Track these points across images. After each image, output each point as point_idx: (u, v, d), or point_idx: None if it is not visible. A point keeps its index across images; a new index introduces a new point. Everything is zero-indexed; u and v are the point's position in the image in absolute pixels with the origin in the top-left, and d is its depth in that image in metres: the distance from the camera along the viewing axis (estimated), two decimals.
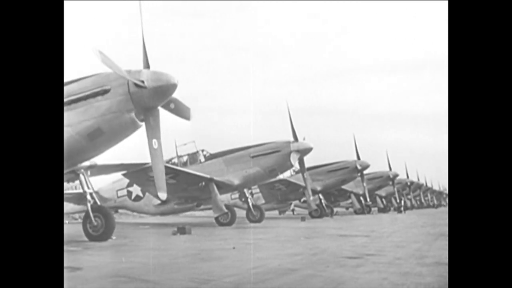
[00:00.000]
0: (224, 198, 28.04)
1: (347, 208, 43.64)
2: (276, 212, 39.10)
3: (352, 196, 38.69)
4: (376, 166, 42.21)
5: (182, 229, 15.12)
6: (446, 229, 16.72)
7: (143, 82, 10.22)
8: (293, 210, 37.84)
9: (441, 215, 32.69)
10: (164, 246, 11.45)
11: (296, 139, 21.60)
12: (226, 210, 20.39)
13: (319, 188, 31.86)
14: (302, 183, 29.80)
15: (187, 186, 20.63)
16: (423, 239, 13.22)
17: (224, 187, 21.52)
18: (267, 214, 35.43)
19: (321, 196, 33.23)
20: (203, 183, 20.48)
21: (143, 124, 10.32)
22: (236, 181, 21.53)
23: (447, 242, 11.58)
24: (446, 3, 4.74)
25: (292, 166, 21.70)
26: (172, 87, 10.38)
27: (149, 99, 10.22)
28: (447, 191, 66.42)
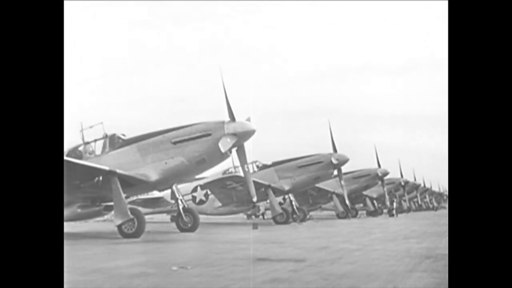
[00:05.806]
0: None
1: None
2: (244, 215, 33.53)
3: (334, 197, 32.85)
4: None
5: None
6: (438, 243, 11.85)
7: None
8: (263, 214, 31.98)
9: (438, 220, 27.77)
10: None
11: (233, 118, 15.50)
12: (131, 217, 14.59)
13: (287, 188, 26.02)
14: (263, 181, 24.29)
15: (80, 183, 14.89)
16: (391, 268, 7.52)
17: (137, 184, 15.76)
18: (230, 218, 30.04)
19: (291, 197, 27.51)
20: (100, 178, 14.74)
21: None
22: (153, 176, 15.68)
23: (430, 278, 5.91)
24: (446, 3, 4.77)
25: (225, 155, 15.55)
26: None
27: None
28: (447, 192, 61.76)
